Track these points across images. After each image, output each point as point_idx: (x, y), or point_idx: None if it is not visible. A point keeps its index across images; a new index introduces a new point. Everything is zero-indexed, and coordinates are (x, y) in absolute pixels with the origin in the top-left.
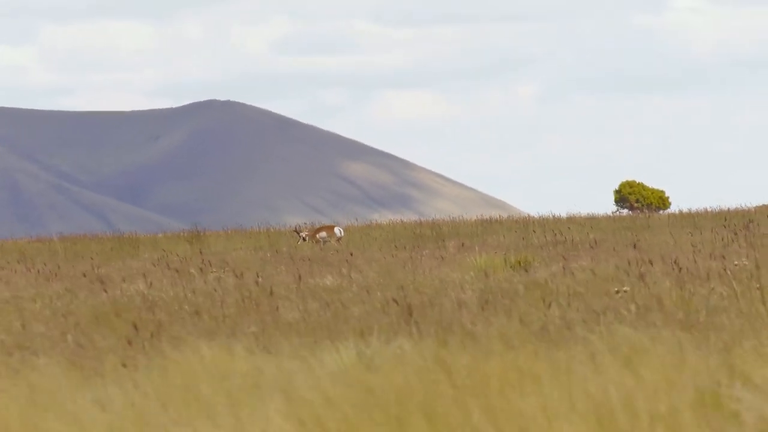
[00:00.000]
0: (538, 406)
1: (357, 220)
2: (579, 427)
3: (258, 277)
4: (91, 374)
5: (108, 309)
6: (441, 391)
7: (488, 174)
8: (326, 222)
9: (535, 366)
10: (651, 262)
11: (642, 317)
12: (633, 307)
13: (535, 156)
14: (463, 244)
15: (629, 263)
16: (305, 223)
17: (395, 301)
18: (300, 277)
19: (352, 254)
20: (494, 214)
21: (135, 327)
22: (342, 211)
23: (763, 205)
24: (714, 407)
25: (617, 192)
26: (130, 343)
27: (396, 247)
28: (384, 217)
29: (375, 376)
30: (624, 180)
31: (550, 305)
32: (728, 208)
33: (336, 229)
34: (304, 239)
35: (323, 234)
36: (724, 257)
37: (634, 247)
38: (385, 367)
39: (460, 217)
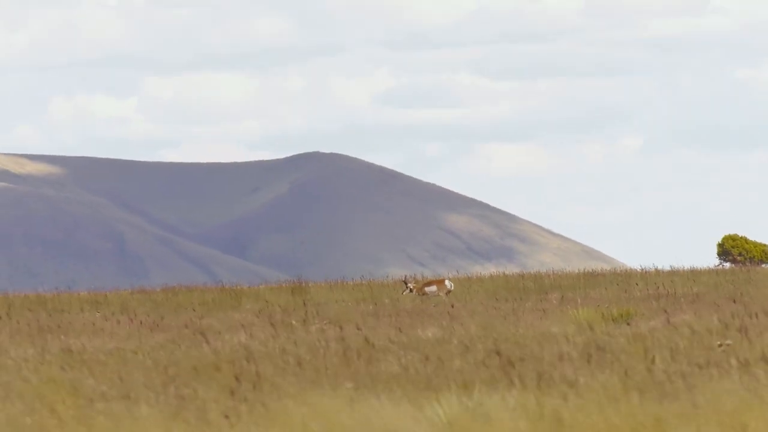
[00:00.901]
0: None
1: (458, 272)
2: None
3: (359, 328)
4: (193, 425)
5: (210, 360)
6: None
7: (590, 226)
8: (428, 275)
9: (640, 419)
10: (756, 315)
11: (745, 372)
12: (734, 362)
13: (637, 209)
14: (563, 297)
15: (732, 316)
16: (412, 275)
17: (497, 353)
18: (401, 330)
19: (453, 306)
20: (596, 266)
21: (237, 378)
22: (444, 263)
23: None
24: None
25: (720, 245)
26: (232, 393)
27: (497, 299)
28: (486, 269)
29: (483, 426)
30: (727, 234)
31: (653, 360)
32: None
33: (447, 282)
34: (411, 290)
35: (432, 288)
36: None
37: (734, 302)
38: (491, 417)
39: (563, 270)
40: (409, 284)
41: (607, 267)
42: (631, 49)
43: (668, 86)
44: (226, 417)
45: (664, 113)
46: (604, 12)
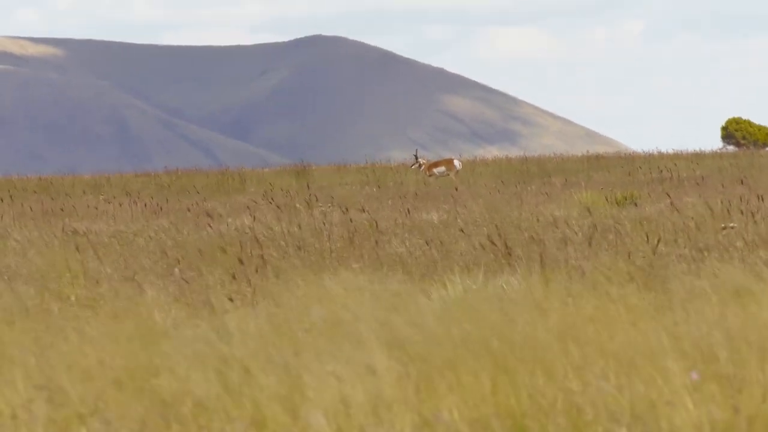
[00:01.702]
0: (641, 343)
1: (461, 155)
2: (683, 364)
3: (364, 211)
4: (198, 308)
5: (214, 243)
6: (542, 328)
7: (594, 111)
8: (431, 158)
9: (639, 303)
10: (761, 198)
11: (750, 253)
12: (740, 244)
13: (641, 93)
14: (566, 181)
15: (740, 199)
16: (417, 156)
17: (498, 237)
18: (408, 212)
19: (456, 189)
20: (600, 150)
21: (240, 261)
22: (446, 146)
23: None
24: None
25: (724, 129)
26: (234, 277)
27: (502, 182)
28: (488, 152)
29: (475, 313)
30: (730, 117)
31: (658, 242)
32: None
33: (455, 162)
34: (420, 166)
35: (441, 168)
36: None
37: (741, 183)
38: (485, 304)
39: (566, 153)
40: (419, 160)
41: (610, 150)
42: None
43: None
44: (230, 299)
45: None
46: None
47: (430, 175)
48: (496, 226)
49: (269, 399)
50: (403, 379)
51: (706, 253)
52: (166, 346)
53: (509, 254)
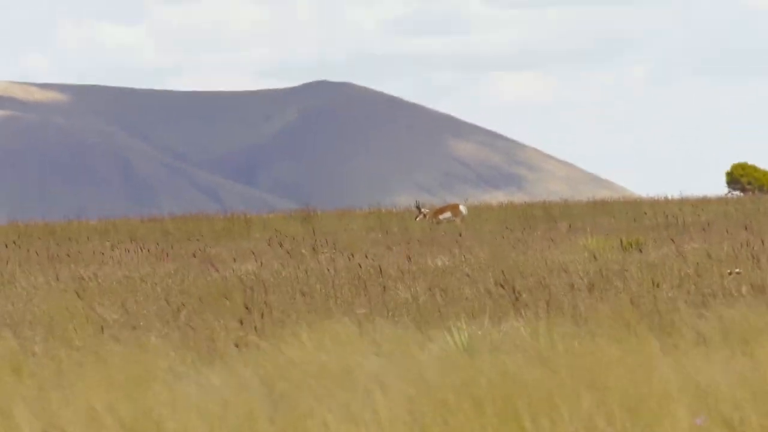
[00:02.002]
0: (647, 389)
1: (467, 200)
2: (689, 409)
3: (369, 257)
4: (203, 354)
5: (219, 289)
6: (550, 375)
7: (599, 156)
8: (437, 203)
9: (645, 347)
10: (763, 243)
11: (756, 299)
12: (745, 289)
13: (646, 138)
14: (570, 226)
15: (745, 245)
16: (419, 207)
17: (504, 282)
18: (411, 258)
19: (461, 235)
20: (605, 194)
21: (246, 307)
22: (452, 191)
23: None
24: None
25: (729, 174)
26: (241, 323)
27: (507, 228)
28: (494, 197)
29: (484, 359)
30: (736, 162)
31: (658, 286)
32: None
33: (461, 207)
34: (424, 216)
35: (447, 214)
36: None
37: (746, 228)
38: (492, 350)
39: (571, 198)
40: (422, 210)
41: (615, 195)
42: None
43: (676, 14)
44: (236, 345)
45: (672, 41)
46: None
47: (436, 222)
48: (503, 271)
49: None
50: (407, 426)
51: (711, 299)
52: (169, 393)
53: (517, 299)
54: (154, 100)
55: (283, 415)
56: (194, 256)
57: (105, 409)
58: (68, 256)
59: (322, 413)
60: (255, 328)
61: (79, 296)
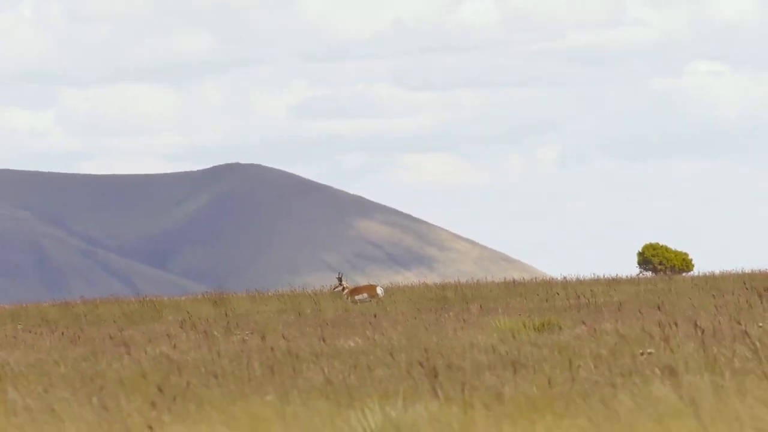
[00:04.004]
0: None
1: (378, 281)
2: None
3: (282, 338)
4: None
5: (132, 371)
6: None
7: (510, 236)
8: (350, 284)
9: (560, 427)
10: (675, 324)
11: (668, 379)
12: (657, 370)
13: (557, 219)
14: (481, 307)
15: (658, 325)
16: (341, 279)
17: (420, 363)
18: (324, 339)
19: (375, 316)
20: (517, 275)
21: (160, 389)
22: (363, 272)
23: None
24: None
25: (640, 254)
26: (154, 405)
27: (419, 309)
28: (406, 278)
29: None
30: (647, 242)
31: (578, 367)
32: (751, 271)
33: (378, 289)
34: (343, 289)
35: (363, 295)
36: (739, 322)
37: (659, 309)
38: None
39: (483, 278)
40: (343, 282)
41: (527, 276)
42: (550, 60)
43: (586, 98)
44: (150, 428)
45: (583, 124)
46: (522, 24)
47: (352, 302)
48: (425, 349)
49: None
50: None
51: (623, 379)
52: None
53: (435, 378)
54: (66, 184)
55: None
56: (111, 338)
57: None
58: None
59: None
60: (169, 409)
61: None
